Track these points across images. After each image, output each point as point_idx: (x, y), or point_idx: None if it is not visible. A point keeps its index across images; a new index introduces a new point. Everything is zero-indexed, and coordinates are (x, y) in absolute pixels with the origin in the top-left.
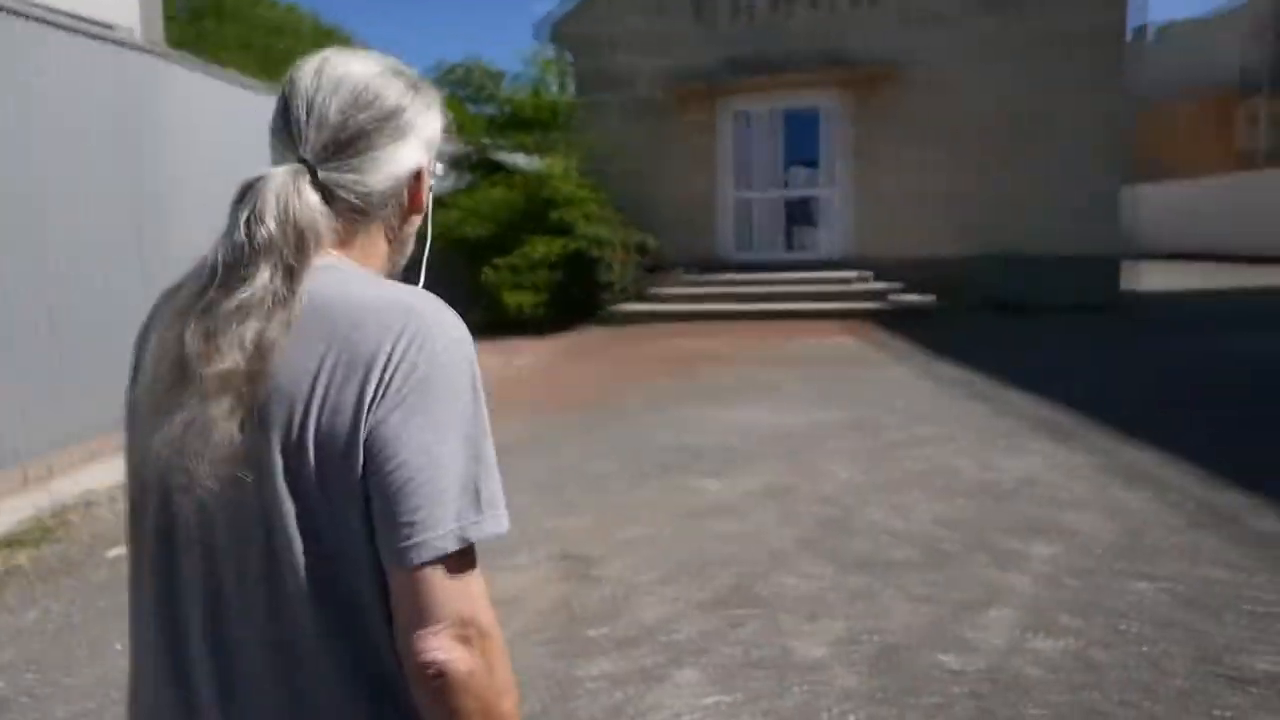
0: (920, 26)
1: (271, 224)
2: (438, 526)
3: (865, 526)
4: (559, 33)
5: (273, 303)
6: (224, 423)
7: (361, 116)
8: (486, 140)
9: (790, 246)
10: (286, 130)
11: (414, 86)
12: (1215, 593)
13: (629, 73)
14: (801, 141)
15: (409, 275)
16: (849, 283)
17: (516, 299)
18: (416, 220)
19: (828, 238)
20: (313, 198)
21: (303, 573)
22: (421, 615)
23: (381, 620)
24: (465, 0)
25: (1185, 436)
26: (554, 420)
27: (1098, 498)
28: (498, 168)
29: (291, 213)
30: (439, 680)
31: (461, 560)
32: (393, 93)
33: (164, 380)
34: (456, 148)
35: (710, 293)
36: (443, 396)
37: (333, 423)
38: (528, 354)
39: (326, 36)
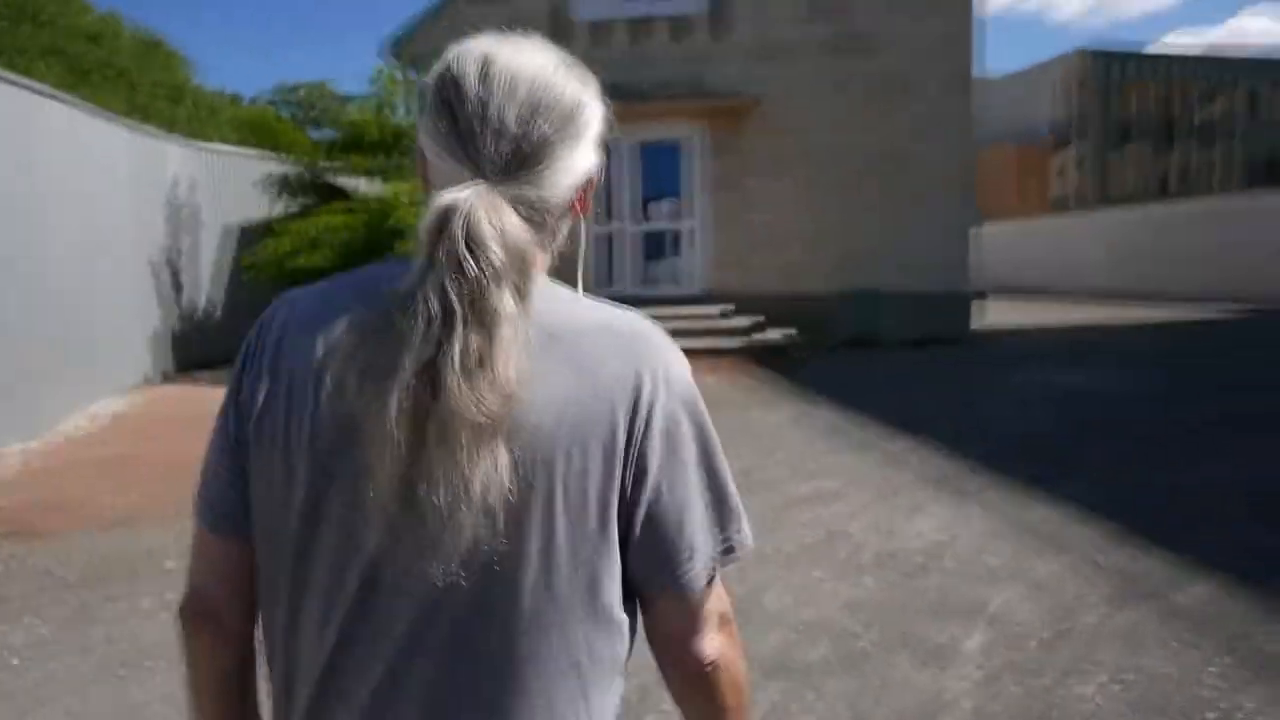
0: (780, 62)
1: (497, 249)
2: (709, 549)
3: (768, 617)
4: (402, 51)
5: (514, 334)
6: (479, 466)
7: (543, 124)
8: (325, 163)
9: (653, 281)
10: (458, 143)
11: (583, 78)
12: (1168, 693)
13: None
14: (663, 174)
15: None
16: (713, 319)
17: None
18: (571, 223)
19: (690, 272)
20: (514, 218)
21: (536, 618)
22: (696, 625)
23: (607, 659)
24: (317, 28)
25: (1075, 483)
26: None
27: (1013, 569)
28: (338, 193)
29: (510, 235)
30: (713, 673)
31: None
32: (569, 90)
33: (368, 420)
34: (289, 170)
35: None
36: (690, 421)
37: (584, 456)
38: None
39: (149, 48)
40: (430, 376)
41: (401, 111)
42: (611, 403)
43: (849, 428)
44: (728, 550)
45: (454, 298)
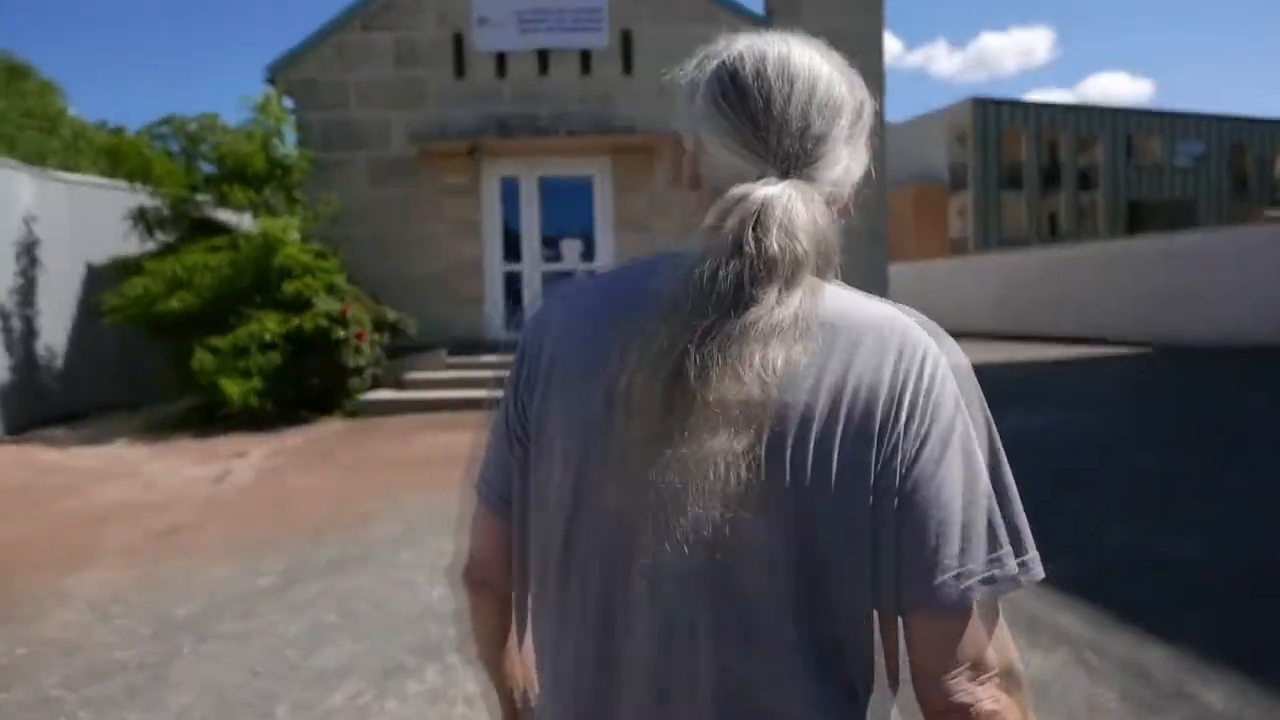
0: None
1: (807, 241)
2: (972, 564)
3: None
4: (280, 78)
5: (798, 326)
6: (735, 456)
7: (833, 121)
8: (201, 196)
9: None
10: (752, 137)
11: (858, 81)
12: None
13: (376, 127)
14: (571, 211)
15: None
16: None
17: (239, 388)
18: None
19: None
20: (826, 211)
21: (789, 609)
22: (946, 658)
23: (860, 660)
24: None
25: (1044, 555)
26: (266, 565)
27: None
28: (216, 228)
29: (820, 228)
30: None
31: (990, 603)
32: (855, 89)
33: (644, 406)
34: (160, 203)
35: (474, 377)
36: (959, 424)
37: (841, 454)
38: (250, 458)
39: (16, 76)
40: (709, 364)
41: (292, 141)
42: (880, 394)
43: None
44: (999, 576)
45: (753, 287)
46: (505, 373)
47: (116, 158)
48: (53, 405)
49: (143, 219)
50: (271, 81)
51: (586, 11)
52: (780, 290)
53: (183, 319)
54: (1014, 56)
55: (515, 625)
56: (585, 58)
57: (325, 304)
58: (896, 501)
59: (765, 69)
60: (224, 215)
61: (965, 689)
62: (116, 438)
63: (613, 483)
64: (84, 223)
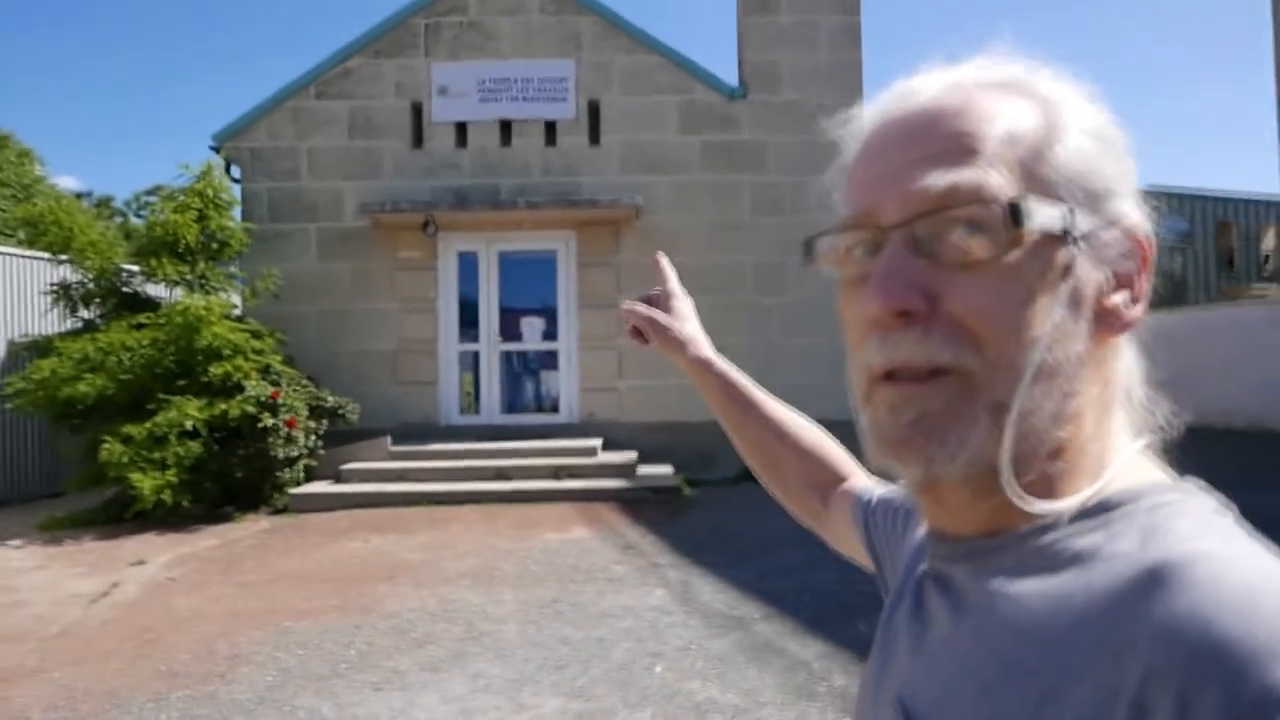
0: (660, 174)
1: None
2: None
3: None
4: (227, 145)
5: None
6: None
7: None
8: (127, 265)
9: (523, 409)
10: None
11: None
12: None
13: (328, 197)
14: (533, 287)
15: None
16: (590, 454)
17: (152, 481)
18: None
19: (559, 399)
20: None
21: None
22: None
23: None
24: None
25: None
26: None
27: None
28: (148, 305)
29: None
30: None
31: None
32: None
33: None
34: (83, 276)
35: (421, 468)
36: None
37: None
38: (149, 568)
39: None
40: None
41: (236, 213)
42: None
43: (744, 615)
44: None
45: None
46: (455, 464)
47: (36, 227)
48: None
49: (65, 294)
50: (217, 149)
51: (552, 81)
52: None
53: (95, 404)
54: None
55: None
56: (550, 128)
57: (256, 388)
58: None
59: None
60: (159, 291)
61: None
62: (11, 537)
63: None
64: (13, 297)
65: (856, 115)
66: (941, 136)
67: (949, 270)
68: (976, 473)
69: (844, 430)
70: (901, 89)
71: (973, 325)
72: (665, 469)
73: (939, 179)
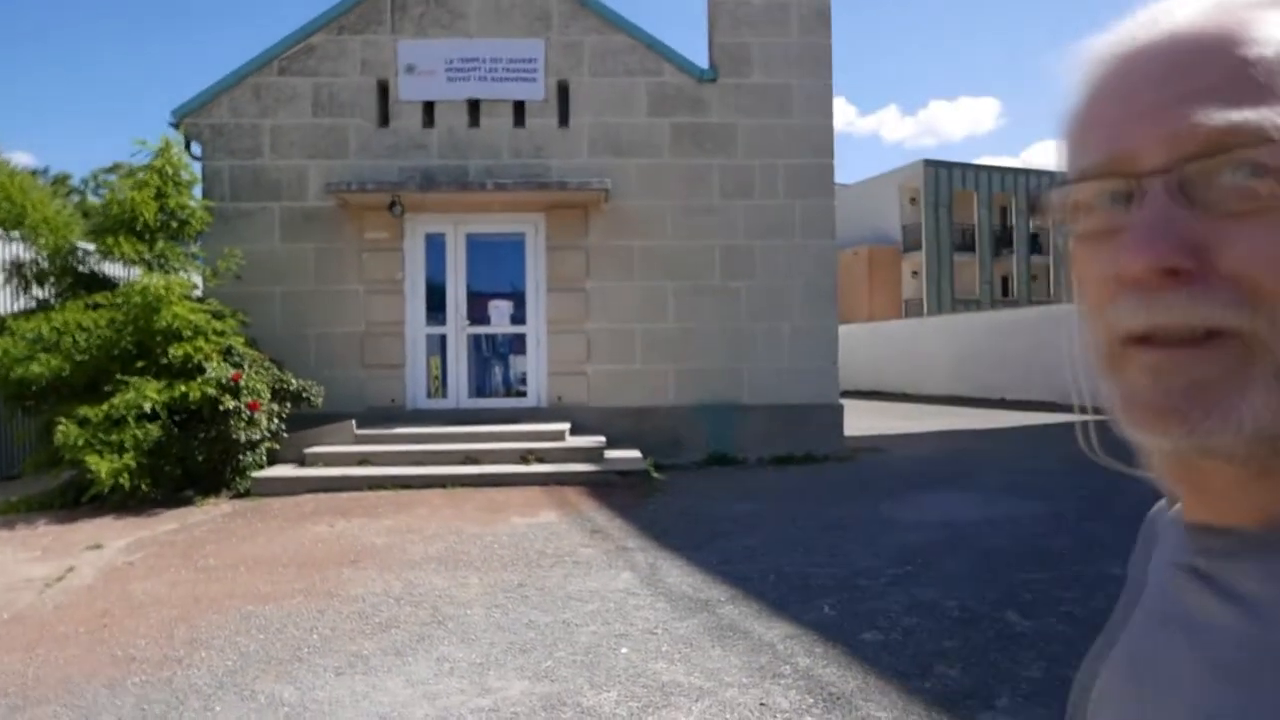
0: (629, 156)
1: None
2: None
3: None
4: (187, 122)
5: None
6: None
7: None
8: (84, 244)
9: (491, 392)
10: None
11: None
12: None
13: (291, 176)
14: (501, 270)
15: None
16: (558, 438)
17: (109, 465)
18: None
19: (535, 383)
20: None
21: None
22: None
23: None
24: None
25: (1010, 707)
26: None
27: None
28: (105, 284)
29: None
30: None
31: None
32: None
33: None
34: (35, 254)
35: (386, 452)
36: None
37: None
38: (106, 552)
39: None
40: None
41: (197, 191)
42: None
43: (710, 597)
44: None
45: None
46: (422, 447)
47: None
48: None
49: (18, 272)
50: (176, 125)
51: (521, 61)
52: None
53: (50, 385)
54: (963, 124)
55: None
56: (519, 109)
57: (217, 370)
58: None
59: None
60: (117, 271)
61: None
62: None
63: None
64: None
65: (1085, 46)
66: (1212, 66)
67: (1220, 220)
68: (1260, 448)
69: (814, 413)
70: (1150, 12)
71: (1255, 281)
72: (633, 453)
73: (1216, 116)
